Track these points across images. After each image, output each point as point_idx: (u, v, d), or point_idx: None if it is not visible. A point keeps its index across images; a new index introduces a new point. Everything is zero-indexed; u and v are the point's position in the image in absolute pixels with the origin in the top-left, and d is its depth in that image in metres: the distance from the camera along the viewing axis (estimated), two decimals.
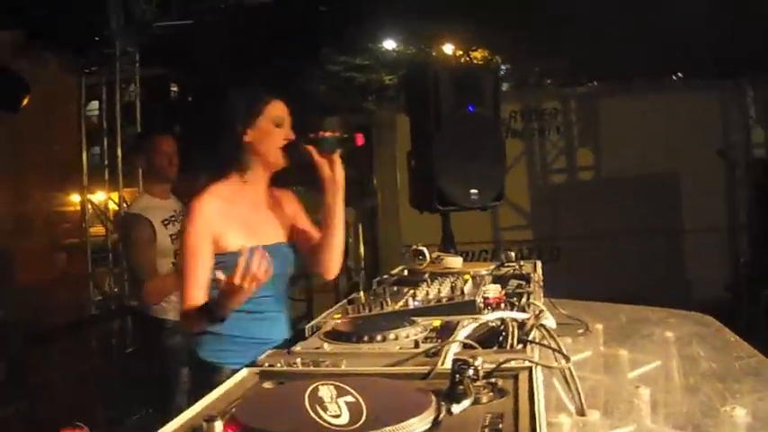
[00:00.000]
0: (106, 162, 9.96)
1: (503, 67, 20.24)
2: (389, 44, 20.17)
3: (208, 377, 3.23)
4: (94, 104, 10.65)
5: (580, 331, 3.63)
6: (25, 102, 8.17)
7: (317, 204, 3.75)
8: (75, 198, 10.74)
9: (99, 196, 10.63)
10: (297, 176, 3.85)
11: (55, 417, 6.41)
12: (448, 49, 20.46)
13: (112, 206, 10.25)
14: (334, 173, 3.64)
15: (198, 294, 3.46)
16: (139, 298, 5.73)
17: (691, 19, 12.93)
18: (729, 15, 12.63)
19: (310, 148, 3.59)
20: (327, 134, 3.61)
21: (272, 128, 3.63)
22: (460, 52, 20.61)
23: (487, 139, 6.55)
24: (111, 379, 8.23)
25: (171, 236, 5.63)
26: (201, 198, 3.56)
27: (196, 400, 2.07)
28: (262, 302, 3.57)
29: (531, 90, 17.02)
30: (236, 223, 3.58)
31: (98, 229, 10.60)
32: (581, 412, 2.40)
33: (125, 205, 9.54)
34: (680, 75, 15.28)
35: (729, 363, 3.27)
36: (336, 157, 3.63)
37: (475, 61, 20.42)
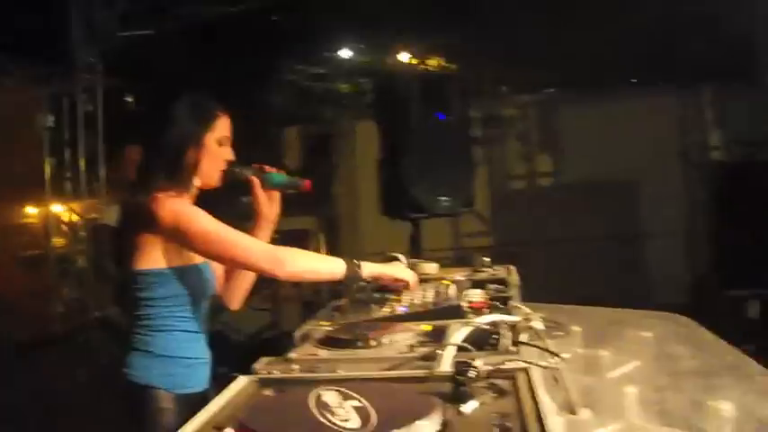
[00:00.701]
0: (68, 174, 9.89)
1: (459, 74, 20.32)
2: (345, 53, 20.22)
3: (142, 401, 3.13)
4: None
5: (560, 333, 3.67)
6: None
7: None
8: (33, 210, 10.68)
9: (58, 208, 10.57)
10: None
11: None
12: (404, 57, 20.52)
13: (74, 217, 10.19)
14: (271, 211, 3.59)
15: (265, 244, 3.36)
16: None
17: (647, 25, 13.06)
18: (684, 21, 12.75)
19: (253, 178, 3.50)
20: (274, 171, 3.54)
21: (216, 147, 3.43)
22: (416, 60, 20.68)
23: (456, 146, 6.63)
24: (78, 394, 8.19)
25: None
26: (174, 200, 3.27)
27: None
28: (198, 321, 3.42)
29: (490, 97, 17.07)
30: None
31: (58, 241, 10.55)
32: (571, 411, 2.45)
33: (89, 216, 9.53)
34: (636, 80, 15.39)
35: (709, 360, 3.35)
36: (276, 195, 3.57)
37: (431, 69, 20.49)
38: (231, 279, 3.67)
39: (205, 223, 3.18)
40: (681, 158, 10.68)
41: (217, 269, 3.60)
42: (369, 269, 3.32)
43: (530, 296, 4.28)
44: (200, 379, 3.27)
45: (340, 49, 20.18)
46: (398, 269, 3.48)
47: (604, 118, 11.76)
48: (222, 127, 3.44)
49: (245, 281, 3.67)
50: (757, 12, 10.24)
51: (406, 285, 3.40)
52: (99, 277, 6.42)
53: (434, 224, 7.47)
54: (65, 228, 10.28)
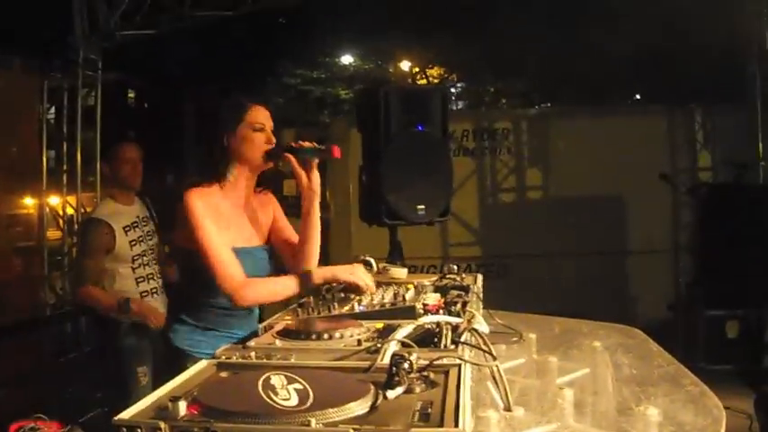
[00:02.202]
0: (65, 166, 10.03)
1: (458, 85, 20.45)
2: (347, 59, 20.34)
3: (181, 364, 3.21)
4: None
5: (514, 339, 3.83)
6: None
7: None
8: (29, 201, 10.79)
9: (54, 200, 10.65)
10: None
11: (5, 413, 6.48)
12: (405, 65, 20.65)
13: (69, 210, 10.29)
14: (311, 181, 3.85)
15: (238, 269, 3.66)
16: (74, 296, 5.95)
17: (643, 47, 13.23)
18: (680, 44, 12.91)
19: (289, 156, 3.78)
20: (306, 144, 3.79)
21: (251, 133, 3.78)
22: (417, 69, 20.80)
23: (435, 157, 6.73)
24: (63, 379, 8.30)
25: (131, 242, 5.81)
26: (190, 193, 3.69)
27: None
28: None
29: (484, 110, 17.21)
30: (224, 223, 3.75)
31: (54, 233, 10.64)
32: (507, 408, 2.61)
33: (83, 210, 9.65)
34: (630, 100, 15.59)
35: (649, 370, 3.52)
36: (314, 166, 3.83)
37: (431, 79, 20.63)
38: (298, 255, 4.03)
39: (200, 223, 3.61)
40: (664, 178, 10.74)
41: (282, 249, 4.06)
42: (321, 275, 3.64)
43: (510, 306, 4.46)
44: None
45: (341, 54, 20.38)
46: (350, 272, 3.68)
47: (594, 135, 11.84)
48: (255, 115, 3.82)
49: (312, 255, 4.03)
50: (746, 34, 10.39)
51: (358, 288, 3.62)
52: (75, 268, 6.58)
53: (423, 233, 7.58)
54: (60, 220, 10.40)
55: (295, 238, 4.12)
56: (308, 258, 4.00)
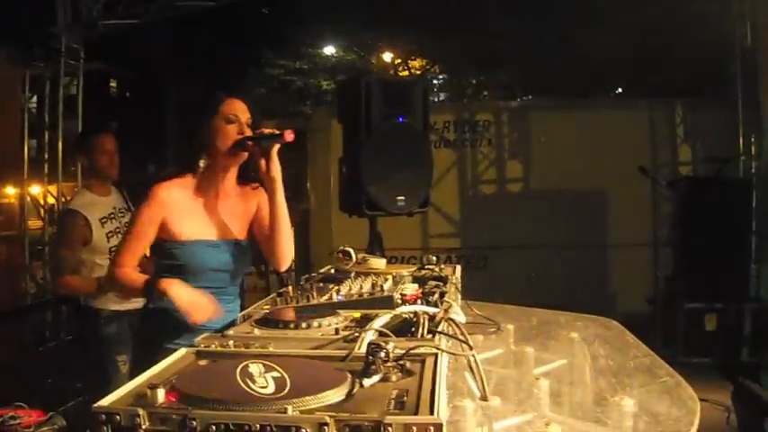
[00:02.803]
0: (46, 156, 10.01)
1: (440, 77, 20.48)
2: (329, 50, 20.35)
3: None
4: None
5: (492, 330, 3.86)
6: None
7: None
8: (11, 191, 10.78)
9: (35, 189, 10.63)
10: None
11: None
12: (387, 57, 20.66)
13: (50, 199, 10.29)
14: (270, 169, 3.85)
15: (128, 264, 3.84)
16: (54, 286, 5.98)
17: (626, 42, 13.28)
18: (662, 39, 12.96)
19: (250, 144, 3.81)
20: (266, 131, 3.81)
21: (224, 125, 3.82)
22: (399, 61, 20.82)
23: (415, 148, 6.75)
24: (44, 368, 8.30)
25: (108, 233, 5.80)
26: (161, 185, 3.80)
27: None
28: (218, 294, 3.84)
29: (466, 102, 17.21)
30: (193, 215, 3.82)
31: (35, 222, 10.64)
32: (483, 397, 2.64)
33: (63, 199, 9.63)
34: (612, 94, 15.64)
35: (625, 361, 3.55)
36: (273, 154, 3.83)
37: (413, 70, 20.66)
38: (270, 244, 4.07)
39: (137, 211, 3.84)
40: (642, 171, 10.75)
41: (260, 239, 4.13)
42: (173, 292, 3.69)
43: (489, 297, 4.49)
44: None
45: (324, 45, 20.39)
46: (189, 302, 3.69)
47: (575, 128, 11.88)
48: (229, 107, 3.88)
49: (279, 243, 4.05)
50: (728, 30, 10.44)
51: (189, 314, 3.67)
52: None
53: (403, 224, 7.58)
54: (41, 209, 10.40)
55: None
56: (278, 246, 4.03)
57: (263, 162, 3.84)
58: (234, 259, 3.95)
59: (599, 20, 13.80)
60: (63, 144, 9.84)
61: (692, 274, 9.90)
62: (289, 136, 3.78)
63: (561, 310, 4.78)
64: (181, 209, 3.79)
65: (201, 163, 3.87)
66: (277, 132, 3.80)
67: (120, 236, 5.86)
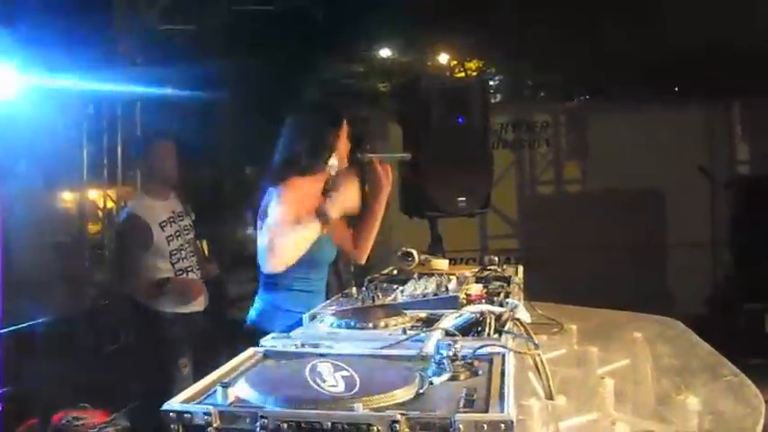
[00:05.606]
0: (105, 160, 10.07)
1: (497, 78, 20.39)
2: (385, 52, 20.31)
3: None
4: None
5: (555, 330, 3.86)
6: None
7: None
8: (68, 195, 10.83)
9: (93, 193, 10.65)
10: None
11: (50, 404, 6.56)
12: (443, 58, 20.60)
13: (110, 203, 10.34)
14: (387, 182, 4.37)
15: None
16: (128, 291, 6.03)
17: (684, 42, 13.17)
18: (714, 37, 12.85)
19: (374, 159, 4.32)
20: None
21: (344, 141, 4.22)
22: (455, 62, 20.74)
23: (476, 149, 6.75)
24: (107, 370, 8.36)
25: (168, 237, 5.87)
26: (292, 184, 4.04)
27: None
28: (314, 282, 4.14)
29: (523, 103, 17.12)
30: (308, 212, 3.96)
31: (94, 226, 10.68)
32: (549, 396, 2.65)
33: (123, 203, 9.66)
34: (669, 93, 15.50)
35: (688, 360, 3.54)
36: (389, 169, 4.36)
37: (469, 72, 20.58)
38: (357, 240, 4.56)
39: (276, 210, 3.94)
40: (703, 171, 10.67)
41: (339, 233, 4.43)
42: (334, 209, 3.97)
43: (549, 298, 4.47)
44: None
45: (380, 48, 20.37)
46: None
47: (633, 128, 11.81)
48: (346, 127, 4.27)
49: (368, 239, 4.58)
50: None
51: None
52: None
53: (461, 225, 7.57)
54: (100, 213, 10.46)
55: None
56: (366, 241, 4.57)
57: (383, 176, 4.37)
58: (333, 250, 4.33)
59: (654, 20, 13.74)
60: (122, 149, 9.87)
61: (751, 274, 9.82)
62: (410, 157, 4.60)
63: (615, 309, 4.79)
64: (301, 206, 3.98)
65: (329, 164, 4.16)
66: (402, 154, 4.72)
67: (179, 239, 5.93)
